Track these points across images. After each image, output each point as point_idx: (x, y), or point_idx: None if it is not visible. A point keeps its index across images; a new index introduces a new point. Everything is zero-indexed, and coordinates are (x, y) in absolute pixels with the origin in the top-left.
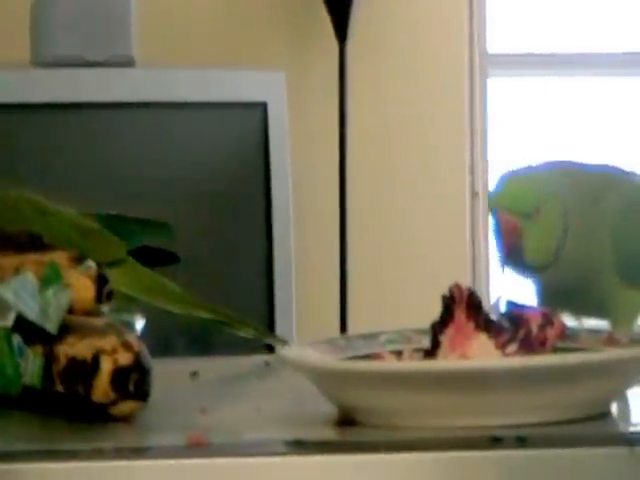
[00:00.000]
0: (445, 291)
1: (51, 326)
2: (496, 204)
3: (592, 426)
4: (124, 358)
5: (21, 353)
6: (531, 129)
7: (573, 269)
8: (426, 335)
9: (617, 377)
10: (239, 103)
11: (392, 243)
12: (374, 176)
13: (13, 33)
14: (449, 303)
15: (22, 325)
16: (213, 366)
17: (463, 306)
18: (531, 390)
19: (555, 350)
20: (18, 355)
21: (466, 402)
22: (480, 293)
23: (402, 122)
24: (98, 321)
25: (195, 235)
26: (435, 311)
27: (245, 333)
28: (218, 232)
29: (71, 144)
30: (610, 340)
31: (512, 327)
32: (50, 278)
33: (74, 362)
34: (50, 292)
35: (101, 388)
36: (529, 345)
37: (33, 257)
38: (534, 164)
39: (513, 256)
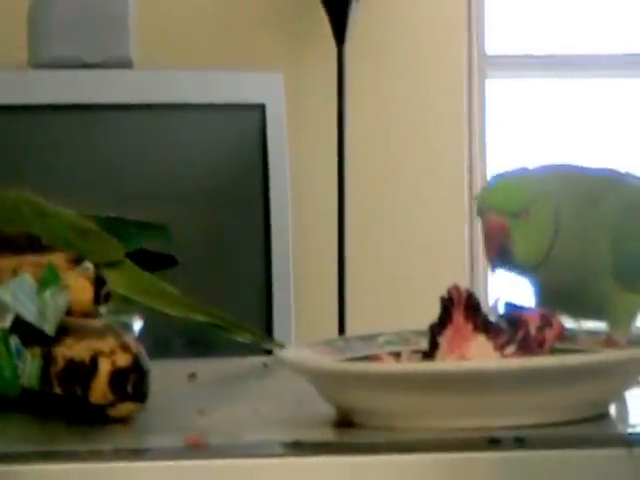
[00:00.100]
0: (443, 293)
1: (49, 328)
2: (484, 204)
3: (591, 427)
4: (122, 360)
5: (19, 355)
6: (530, 131)
7: (567, 270)
8: (424, 337)
9: (615, 378)
10: (237, 104)
11: (390, 244)
12: (372, 177)
13: (11, 34)
14: (447, 305)
15: (20, 327)
16: (211, 368)
17: (461, 308)
18: (529, 391)
19: (553, 351)
20: (16, 357)
21: (464, 403)
22: (478, 295)
23: (400, 124)
24: (96, 323)
25: (193, 236)
26: (433, 313)
27: (242, 338)
28: (216, 233)
29: (69, 145)
30: (608, 342)
31: (510, 328)
32: (48, 280)
33: (72, 364)
34: (48, 294)
35: (99, 390)
36: (527, 346)
37: (31, 259)
38: (526, 166)
39: (502, 257)
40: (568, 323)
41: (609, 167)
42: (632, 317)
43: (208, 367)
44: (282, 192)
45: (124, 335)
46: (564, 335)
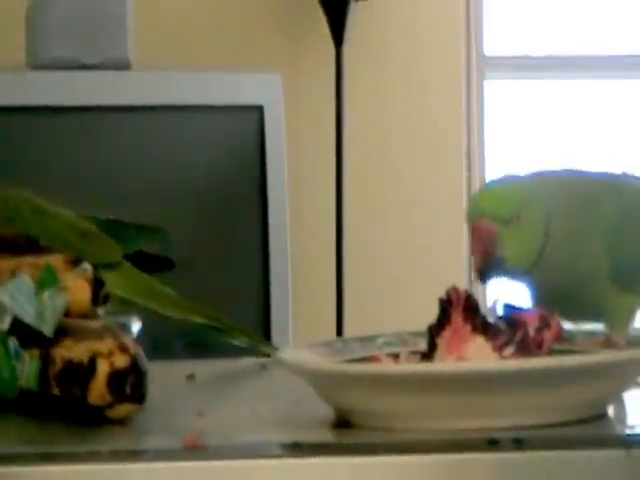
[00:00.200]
0: (442, 294)
1: (47, 329)
2: (474, 212)
3: (589, 428)
4: (120, 361)
5: (17, 356)
6: (528, 132)
7: (561, 273)
8: (423, 338)
9: (614, 379)
10: (236, 106)
11: (389, 245)
12: (371, 178)
13: (9, 35)
14: (446, 306)
15: (18, 328)
16: (209, 369)
17: (460, 309)
18: (528, 392)
19: (552, 352)
20: (14, 358)
21: (463, 404)
22: (477, 296)
23: (399, 125)
24: (94, 324)
25: (192, 237)
26: (432, 313)
27: (238, 340)
28: (214, 234)
29: (67, 146)
30: (607, 342)
31: (509, 330)
32: (46, 281)
33: (70, 365)
34: (46, 295)
35: (97, 391)
36: (526, 347)
37: (29, 260)
38: (517, 173)
39: (492, 263)
40: (566, 324)
41: (605, 170)
42: (630, 318)
43: (206, 368)
44: (280, 193)
45: (122, 336)
46: (563, 336)
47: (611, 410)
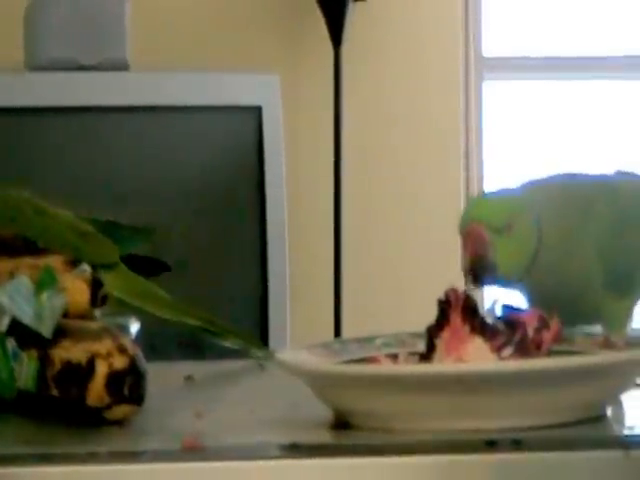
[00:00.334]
0: (441, 294)
1: (46, 330)
2: (466, 221)
3: (588, 429)
4: (119, 362)
5: (16, 357)
6: (527, 132)
7: (554, 280)
8: (421, 339)
9: (613, 380)
10: (234, 107)
11: (387, 246)
12: (369, 179)
13: (7, 36)
14: (445, 306)
15: (17, 329)
16: (208, 370)
17: (459, 309)
18: (527, 393)
19: (551, 353)
20: (13, 359)
21: (462, 405)
22: (476, 296)
23: (397, 125)
24: (93, 325)
25: (190, 237)
26: (431, 314)
27: (231, 343)
28: (213, 235)
29: (66, 147)
30: (606, 343)
31: (508, 330)
32: (45, 282)
33: (69, 366)
34: (45, 296)
35: (96, 392)
36: (525, 348)
37: (28, 261)
38: (510, 186)
39: (482, 267)
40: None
41: (599, 171)
42: (627, 320)
43: (205, 369)
44: (278, 193)
45: (121, 337)
46: (561, 337)
47: (610, 411)
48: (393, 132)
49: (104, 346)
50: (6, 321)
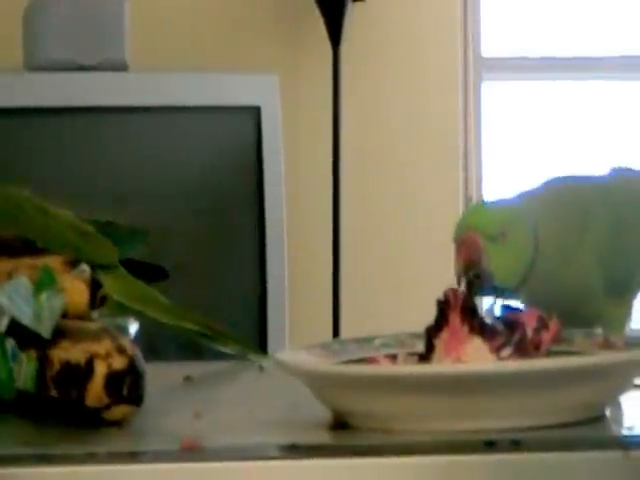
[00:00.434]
0: (440, 295)
1: (45, 330)
2: (460, 229)
3: (587, 430)
4: (118, 362)
5: (15, 358)
6: (526, 133)
7: (552, 286)
8: (420, 339)
9: (612, 381)
10: (232, 107)
11: (385, 246)
12: (368, 180)
13: (6, 37)
14: (444, 307)
15: (16, 329)
16: (207, 370)
17: (458, 310)
18: (526, 394)
19: (550, 354)
20: (12, 360)
21: (460, 406)
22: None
23: (396, 126)
24: (92, 325)
25: (188, 238)
26: (430, 315)
27: (228, 348)
28: (211, 235)
29: (65, 148)
30: (605, 344)
31: (507, 331)
32: (44, 282)
33: (68, 366)
34: (44, 296)
35: (95, 392)
36: (524, 349)
37: (27, 261)
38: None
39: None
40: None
41: (596, 175)
42: (626, 322)
43: (203, 370)
44: (277, 194)
45: (120, 338)
46: (560, 337)
47: (609, 411)
48: (392, 132)
49: (103, 347)
50: (5, 322)
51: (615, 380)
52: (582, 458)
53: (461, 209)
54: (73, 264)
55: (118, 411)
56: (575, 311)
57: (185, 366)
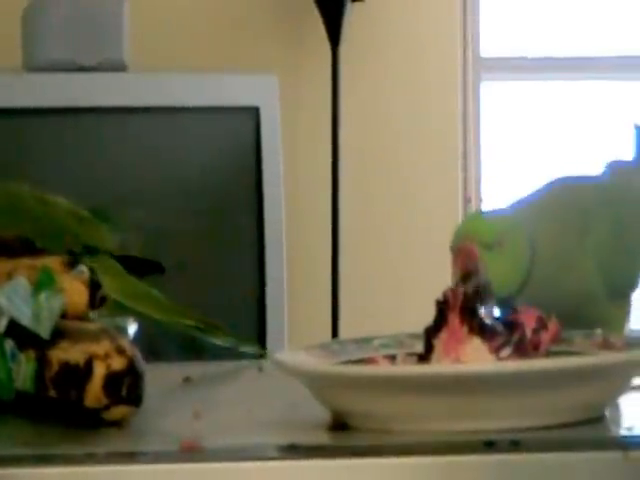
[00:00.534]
0: (439, 295)
1: (44, 331)
2: (456, 239)
3: (586, 430)
4: (117, 363)
5: (14, 358)
6: (525, 133)
7: (550, 293)
8: (420, 340)
9: (612, 381)
10: (231, 107)
11: (384, 246)
12: (367, 180)
13: (6, 37)
14: (443, 307)
15: (15, 330)
16: (206, 371)
17: (457, 310)
18: (525, 394)
19: (549, 354)
20: (11, 360)
21: (460, 406)
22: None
23: (395, 126)
24: (91, 326)
25: (187, 238)
26: (429, 315)
27: (223, 341)
28: (210, 235)
29: (63, 149)
30: (605, 344)
31: (506, 331)
32: (43, 283)
33: (67, 367)
34: (43, 297)
35: (94, 393)
36: (523, 349)
37: (26, 262)
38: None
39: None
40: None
41: (594, 175)
42: (625, 323)
43: (203, 370)
44: (276, 194)
45: (119, 338)
46: (560, 337)
47: (608, 412)
48: (391, 132)
49: (102, 347)
50: (4, 322)
51: (615, 380)
52: (581, 458)
53: (460, 209)
54: (72, 264)
55: (117, 412)
56: (576, 315)
57: (184, 367)
